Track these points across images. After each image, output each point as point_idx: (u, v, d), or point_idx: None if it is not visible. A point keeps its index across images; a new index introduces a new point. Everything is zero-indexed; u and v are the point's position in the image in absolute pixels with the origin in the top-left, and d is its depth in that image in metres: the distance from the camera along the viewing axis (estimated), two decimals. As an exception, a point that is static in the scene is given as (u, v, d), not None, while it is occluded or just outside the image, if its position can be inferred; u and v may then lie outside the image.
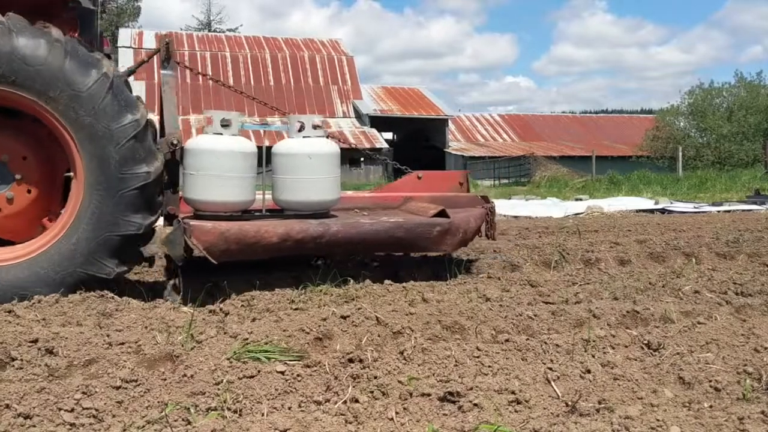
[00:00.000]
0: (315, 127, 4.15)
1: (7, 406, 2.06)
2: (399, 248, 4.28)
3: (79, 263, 3.55)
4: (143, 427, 2.02)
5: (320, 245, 3.90)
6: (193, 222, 3.65)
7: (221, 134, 3.91)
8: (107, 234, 3.57)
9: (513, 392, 2.25)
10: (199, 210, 3.94)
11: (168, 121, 4.12)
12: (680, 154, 28.25)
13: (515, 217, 11.05)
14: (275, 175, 4.13)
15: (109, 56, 4.63)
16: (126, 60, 42.50)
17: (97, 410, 2.10)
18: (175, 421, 2.06)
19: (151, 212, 3.72)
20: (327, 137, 4.27)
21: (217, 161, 3.82)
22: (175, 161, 3.93)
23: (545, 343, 2.80)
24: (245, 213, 4.10)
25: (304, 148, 4.07)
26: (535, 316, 3.26)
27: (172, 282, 3.85)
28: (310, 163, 4.04)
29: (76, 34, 4.07)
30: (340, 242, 3.93)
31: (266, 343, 2.70)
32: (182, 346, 2.67)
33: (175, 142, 3.89)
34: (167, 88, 4.23)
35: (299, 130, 4.13)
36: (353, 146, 5.78)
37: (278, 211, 4.26)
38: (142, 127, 3.65)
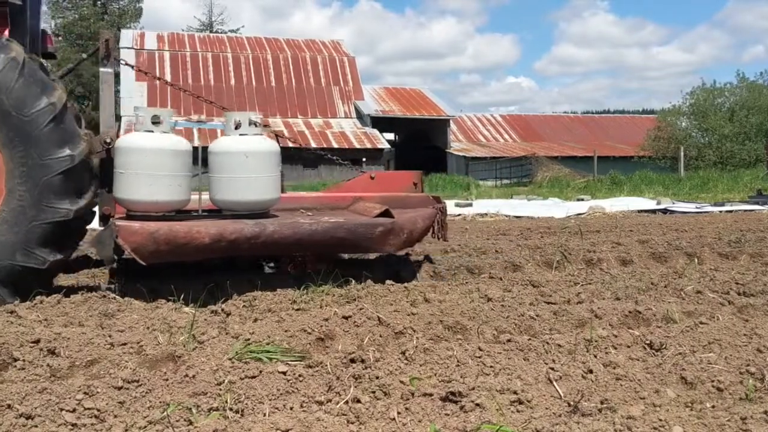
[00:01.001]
0: (252, 124, 4.02)
1: (9, 407, 2.06)
2: (340, 249, 4.14)
3: (8, 255, 3.46)
4: (145, 427, 2.02)
5: (255, 246, 3.77)
6: (120, 222, 3.56)
7: (152, 131, 3.79)
8: (35, 223, 3.47)
9: (515, 392, 2.25)
10: (130, 210, 3.82)
11: (104, 119, 4.00)
12: (682, 154, 28.25)
13: (517, 217, 11.05)
14: (211, 174, 4.01)
15: (53, 55, 4.59)
16: (128, 60, 42.56)
17: (98, 410, 2.10)
18: (177, 421, 2.06)
19: (80, 197, 3.62)
20: (265, 135, 4.15)
21: (147, 159, 3.70)
22: (110, 159, 3.82)
23: (547, 343, 2.79)
24: (182, 213, 4.00)
25: (240, 146, 3.95)
26: (537, 316, 3.25)
27: (113, 284, 3.76)
28: (246, 161, 3.91)
29: (6, 31, 3.96)
30: (276, 243, 3.82)
31: (268, 344, 2.70)
32: (184, 346, 2.67)
33: (108, 140, 3.77)
34: (105, 86, 4.09)
35: (236, 128, 4.01)
36: (301, 146, 5.61)
37: (217, 212, 4.16)
38: (60, 110, 3.52)
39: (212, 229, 3.65)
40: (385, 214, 4.07)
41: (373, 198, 4.58)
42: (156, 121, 3.81)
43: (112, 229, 3.53)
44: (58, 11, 61.24)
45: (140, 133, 3.80)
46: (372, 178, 5.01)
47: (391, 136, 48.80)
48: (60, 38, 59.75)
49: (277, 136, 4.99)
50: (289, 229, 3.82)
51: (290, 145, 4.87)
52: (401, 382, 2.36)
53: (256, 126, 4.04)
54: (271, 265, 4.52)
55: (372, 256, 5.01)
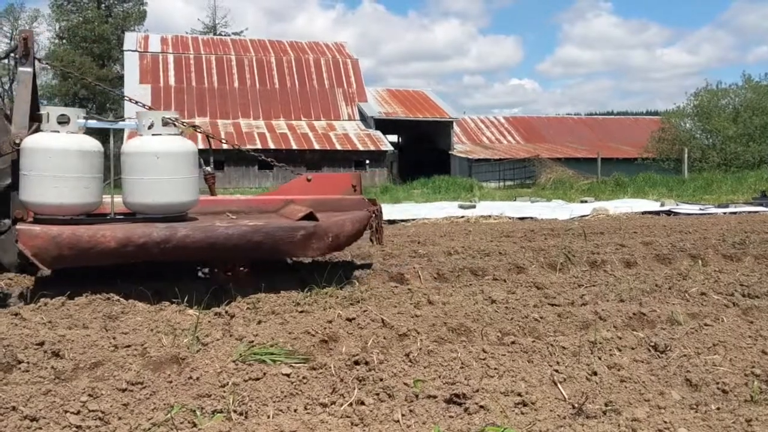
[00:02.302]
0: (166, 124, 3.86)
1: (14, 409, 2.07)
2: (259, 253, 3.92)
3: None
4: (149, 429, 2.02)
5: (166, 251, 3.60)
6: (21, 226, 3.45)
7: (57, 132, 3.66)
8: None
9: (519, 394, 2.25)
10: (37, 213, 3.68)
11: (16, 120, 3.84)
12: (686, 155, 28.23)
13: (521, 219, 11.04)
14: (123, 176, 3.84)
15: None
16: (132, 63, 42.69)
17: (103, 412, 2.10)
18: (181, 423, 2.06)
19: None
20: (181, 134, 3.98)
21: (52, 161, 3.56)
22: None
23: (551, 345, 2.79)
24: (93, 217, 3.85)
25: (152, 146, 3.79)
26: (541, 318, 3.25)
27: (20, 291, 3.68)
28: (157, 162, 3.76)
29: None
30: (188, 248, 3.64)
31: (272, 346, 2.70)
32: (188, 348, 2.67)
33: (18, 141, 3.63)
34: (22, 86, 3.95)
35: (149, 128, 3.85)
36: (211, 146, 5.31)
37: (131, 215, 4.01)
38: None
39: (119, 233, 3.50)
40: (309, 217, 3.94)
41: (305, 201, 4.43)
42: (62, 120, 3.67)
43: (13, 233, 3.42)
44: (63, 14, 61.46)
45: (46, 134, 3.67)
46: (309, 180, 4.89)
47: (394, 138, 48.85)
48: (64, 41, 60.01)
49: (209, 137, 4.88)
50: (202, 233, 3.66)
51: (224, 146, 4.76)
52: (405, 384, 2.36)
53: (172, 125, 3.87)
54: (206, 270, 4.31)
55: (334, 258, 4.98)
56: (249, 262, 4.03)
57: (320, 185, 4.89)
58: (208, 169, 4.97)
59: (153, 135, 3.86)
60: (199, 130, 4.57)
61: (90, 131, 3.99)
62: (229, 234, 3.69)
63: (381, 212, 4.63)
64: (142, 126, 3.88)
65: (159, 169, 3.77)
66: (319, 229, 3.90)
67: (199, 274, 4.31)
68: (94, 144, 3.77)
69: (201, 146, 4.38)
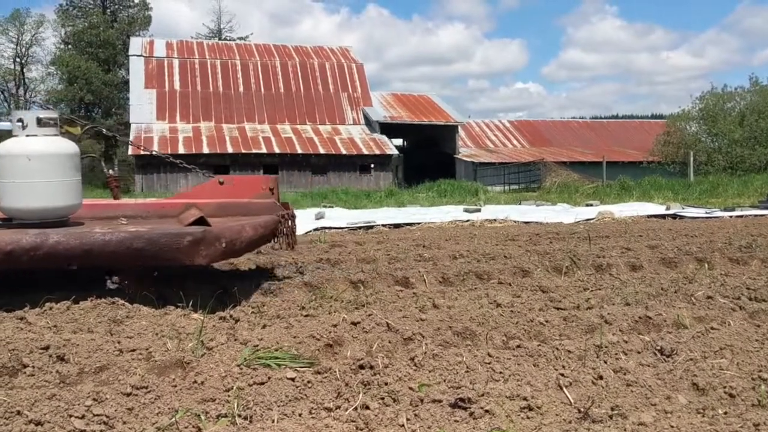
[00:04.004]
0: (42, 124, 3.68)
1: (19, 413, 2.07)
2: (141, 261, 3.67)
3: None
4: (154, 433, 2.02)
5: (37, 258, 3.39)
6: None
7: None
8: None
9: (525, 398, 2.24)
10: None
11: None
12: (691, 159, 28.19)
13: (526, 222, 11.02)
14: None
15: None
16: (137, 68, 42.85)
17: (107, 417, 2.10)
18: (186, 427, 2.06)
19: None
20: (62, 135, 3.83)
21: None
22: None
23: (557, 348, 2.78)
24: None
25: (24, 148, 3.62)
26: (546, 321, 3.24)
27: None
28: (29, 165, 3.59)
29: None
30: (61, 255, 3.42)
31: (276, 350, 2.70)
32: (193, 352, 2.67)
33: None
34: None
35: (23, 128, 3.67)
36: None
37: (8, 221, 3.84)
38: None
39: None
40: (199, 222, 3.78)
41: (207, 205, 4.23)
42: None
43: None
44: (68, 19, 61.76)
45: None
46: (221, 183, 4.74)
47: (399, 142, 48.91)
48: (70, 46, 60.25)
49: (115, 138, 4.83)
50: (76, 239, 3.43)
51: (132, 151, 4.63)
52: (410, 388, 2.36)
53: (50, 126, 3.70)
54: (114, 279, 4.09)
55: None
56: (149, 270, 3.83)
57: (233, 188, 4.73)
58: (111, 171, 4.87)
59: (27, 136, 3.69)
60: (95, 129, 4.41)
61: None
62: (107, 240, 3.46)
63: (293, 216, 4.42)
64: (17, 126, 3.71)
65: (32, 172, 3.61)
66: (209, 234, 3.62)
67: (108, 284, 4.04)
68: None
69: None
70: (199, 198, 4.60)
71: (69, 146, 3.81)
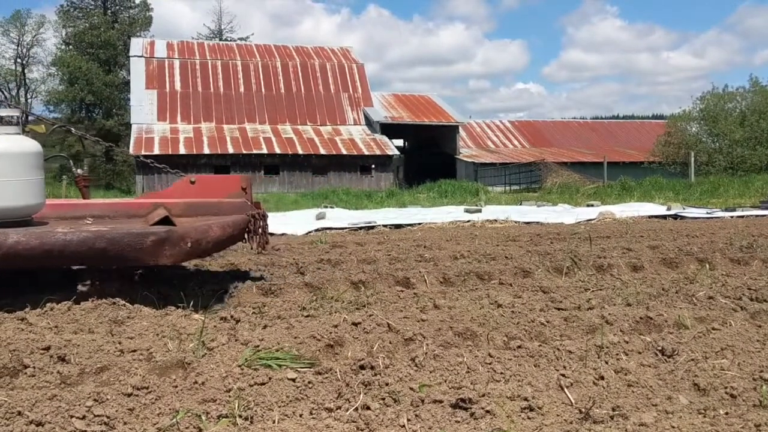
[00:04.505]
0: (2, 122, 3.62)
1: (20, 413, 2.07)
2: (104, 261, 3.61)
3: None
4: (154, 434, 2.02)
5: None
6: None
7: None
8: None
9: (526, 399, 2.24)
10: None
11: None
12: (692, 159, 28.14)
13: (527, 223, 11.02)
14: None
15: None
16: (138, 69, 42.86)
17: (108, 417, 2.10)
18: (186, 428, 2.06)
19: None
20: (24, 133, 3.77)
21: None
22: None
23: (558, 349, 2.78)
24: None
25: None
26: (547, 322, 3.24)
27: None
28: None
29: None
30: (20, 255, 3.35)
31: (277, 350, 2.70)
32: (193, 353, 2.67)
33: None
34: None
35: None
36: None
37: None
38: None
39: None
40: (164, 221, 3.74)
41: (177, 204, 4.18)
42: None
43: None
44: (69, 20, 61.77)
45: None
46: (192, 182, 4.68)
47: (400, 142, 48.91)
48: (71, 47, 60.27)
49: (81, 137, 4.80)
50: (37, 239, 3.38)
51: (104, 146, 4.56)
52: (411, 388, 2.36)
53: (11, 124, 3.66)
54: (86, 282, 3.98)
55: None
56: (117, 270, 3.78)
57: (205, 188, 4.68)
58: (79, 171, 4.82)
59: None
60: (63, 128, 4.36)
61: None
62: (68, 240, 3.41)
63: (264, 216, 4.37)
64: None
65: None
66: (174, 234, 3.58)
67: (79, 286, 3.93)
68: None
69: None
70: (169, 198, 4.54)
71: (31, 145, 3.77)
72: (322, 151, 39.96)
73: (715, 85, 48.94)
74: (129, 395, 2.24)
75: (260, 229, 4.29)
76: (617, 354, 2.76)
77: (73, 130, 5.04)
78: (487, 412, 2.13)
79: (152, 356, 2.62)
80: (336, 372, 2.49)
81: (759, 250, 5.93)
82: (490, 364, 2.59)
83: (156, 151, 36.92)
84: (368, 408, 2.19)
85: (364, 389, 2.35)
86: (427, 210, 14.63)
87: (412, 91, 52.47)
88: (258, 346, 2.74)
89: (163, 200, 4.29)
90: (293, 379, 2.41)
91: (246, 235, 4.24)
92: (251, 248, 4.36)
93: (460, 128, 46.22)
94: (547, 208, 15.06)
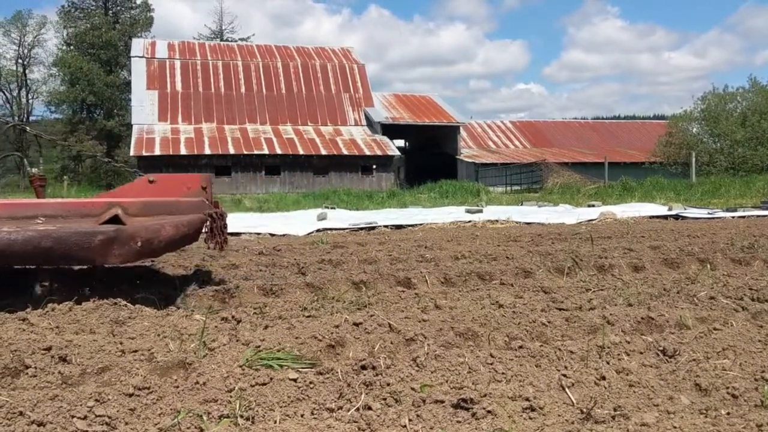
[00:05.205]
0: None
1: (21, 414, 2.07)
2: (51, 261, 3.54)
3: None
4: (156, 434, 2.02)
5: None
6: None
7: None
8: None
9: (527, 399, 2.24)
10: None
11: None
12: (693, 159, 28.14)
13: (528, 223, 11.01)
14: None
15: None
16: (139, 69, 42.89)
17: (109, 417, 2.10)
18: (188, 428, 2.06)
19: None
20: None
21: None
22: None
23: (559, 349, 2.78)
24: None
25: None
26: (548, 322, 3.23)
27: None
28: None
29: None
30: None
31: (279, 351, 2.70)
32: (195, 353, 2.67)
33: None
34: None
35: None
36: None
37: None
38: None
39: None
40: (113, 220, 3.69)
41: (133, 204, 4.12)
42: None
43: None
44: (70, 21, 61.83)
45: None
46: (151, 181, 4.63)
47: (401, 142, 48.91)
48: (72, 47, 60.32)
49: (36, 136, 4.75)
50: None
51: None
52: (412, 389, 2.35)
53: None
54: (44, 284, 3.97)
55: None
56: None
57: (164, 187, 4.63)
58: (34, 170, 4.76)
59: None
60: (18, 128, 4.27)
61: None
62: (12, 240, 3.35)
63: (222, 215, 4.33)
64: None
65: None
66: (123, 233, 3.53)
67: (36, 288, 3.91)
68: None
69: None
70: (126, 197, 4.46)
71: None
72: (323, 152, 39.97)
73: (715, 85, 48.89)
74: (130, 395, 2.24)
75: (218, 229, 4.26)
76: (618, 354, 2.76)
77: (27, 128, 5.02)
78: (489, 412, 2.13)
79: (153, 356, 2.62)
80: (337, 372, 2.49)
81: (760, 250, 5.92)
82: (491, 364, 2.59)
83: (157, 152, 36.96)
84: (370, 408, 2.19)
85: (365, 389, 2.35)
86: (428, 210, 14.64)
87: (413, 92, 52.50)
88: (259, 346, 2.74)
89: (119, 199, 4.23)
90: (294, 380, 2.41)
91: (207, 234, 4.19)
92: (208, 248, 4.30)
93: (461, 128, 46.22)
94: (548, 208, 15.07)
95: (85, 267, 3.98)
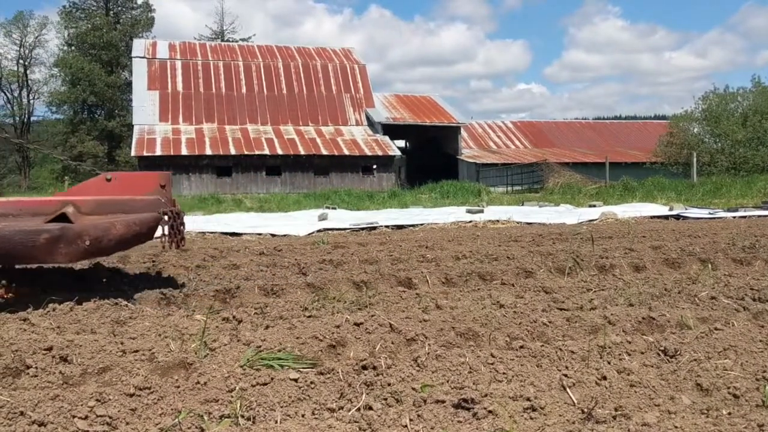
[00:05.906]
0: None
1: (22, 414, 2.07)
2: None
3: None
4: (157, 434, 2.02)
5: None
6: None
7: None
8: None
9: (528, 399, 2.23)
10: None
11: None
12: (694, 159, 28.12)
13: (529, 223, 11.01)
14: None
15: None
16: (140, 70, 42.90)
17: (110, 417, 2.10)
18: (189, 428, 2.06)
19: None
20: None
21: None
22: None
23: (560, 349, 2.77)
24: None
25: None
26: (549, 322, 3.23)
27: None
28: None
29: None
30: None
31: (279, 351, 2.70)
32: (195, 353, 2.67)
33: None
34: None
35: None
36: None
37: None
38: None
39: None
40: (60, 218, 3.64)
41: (85, 202, 4.06)
42: None
43: None
44: (71, 21, 61.88)
45: None
46: (108, 180, 4.56)
47: (401, 143, 48.91)
48: (73, 48, 60.37)
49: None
50: None
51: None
52: (413, 389, 2.35)
53: None
54: (3, 283, 3.94)
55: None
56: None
57: (121, 186, 4.56)
58: None
59: None
60: None
61: None
62: None
63: (179, 214, 4.28)
64: None
65: None
66: (69, 232, 3.48)
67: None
68: None
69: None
70: (81, 195, 4.40)
71: None
72: (324, 152, 39.96)
73: (716, 85, 48.90)
74: (131, 395, 2.24)
75: (174, 227, 4.22)
76: (620, 354, 2.76)
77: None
78: (490, 412, 2.13)
79: (154, 356, 2.62)
80: (338, 372, 2.49)
81: (761, 250, 5.92)
82: (492, 364, 2.59)
83: (158, 152, 36.95)
84: (370, 408, 2.19)
85: (366, 389, 2.35)
86: (429, 210, 14.64)
87: (414, 92, 52.53)
88: (260, 346, 2.74)
89: (72, 198, 4.17)
90: (295, 380, 2.41)
91: (163, 233, 4.16)
92: (163, 247, 4.26)
93: (461, 129, 46.21)
94: (549, 208, 15.07)
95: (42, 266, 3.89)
